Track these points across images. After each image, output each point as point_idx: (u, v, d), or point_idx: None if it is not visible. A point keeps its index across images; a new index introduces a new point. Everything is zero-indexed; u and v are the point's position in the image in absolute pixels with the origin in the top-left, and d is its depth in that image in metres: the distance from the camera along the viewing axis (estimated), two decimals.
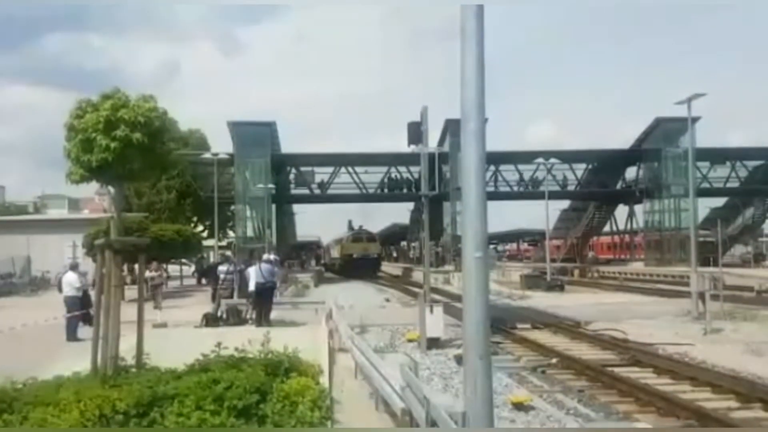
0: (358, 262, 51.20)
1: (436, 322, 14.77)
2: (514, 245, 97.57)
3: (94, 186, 9.56)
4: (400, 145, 17.11)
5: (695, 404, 9.19)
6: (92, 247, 22.78)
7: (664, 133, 46.08)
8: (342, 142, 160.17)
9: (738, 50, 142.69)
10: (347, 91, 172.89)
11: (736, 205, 55.53)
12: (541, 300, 26.27)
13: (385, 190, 50.71)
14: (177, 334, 15.11)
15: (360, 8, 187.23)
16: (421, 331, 14.80)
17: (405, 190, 50.19)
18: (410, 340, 15.48)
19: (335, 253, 60.42)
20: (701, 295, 18.46)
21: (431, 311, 14.82)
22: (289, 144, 49.80)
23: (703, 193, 45.70)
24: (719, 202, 55.35)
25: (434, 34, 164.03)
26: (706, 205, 52.94)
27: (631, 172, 52.72)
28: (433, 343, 14.56)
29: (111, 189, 8.80)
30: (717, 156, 49.23)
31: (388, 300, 27.68)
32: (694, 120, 26.24)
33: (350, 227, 62.57)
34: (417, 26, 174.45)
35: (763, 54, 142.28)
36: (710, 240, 39.98)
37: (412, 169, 47.13)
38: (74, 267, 17.31)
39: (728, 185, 51.77)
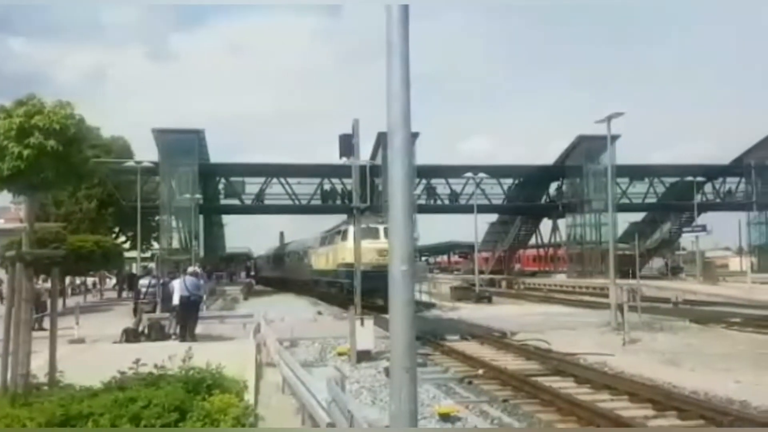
0: (369, 279, 22.32)
1: (367, 335, 14.79)
2: (445, 257, 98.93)
3: (10, 195, 9.11)
4: (334, 157, 17.42)
5: (614, 413, 9.51)
6: (3, 259, 21.62)
7: (586, 151, 47.89)
8: (275, 153, 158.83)
9: (659, 74, 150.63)
10: (280, 102, 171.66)
11: (654, 220, 58.29)
12: (470, 312, 26.70)
13: (319, 202, 50.38)
14: (95, 350, 14.54)
15: (295, 20, 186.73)
16: (351, 344, 14.75)
17: (338, 202, 50.06)
18: (341, 354, 15.40)
19: (322, 262, 34.24)
20: (620, 307, 19.21)
21: (362, 324, 14.83)
22: (220, 156, 48.41)
23: (622, 208, 47.80)
24: (638, 216, 58.03)
25: (369, 47, 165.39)
26: (625, 220, 55.52)
27: (555, 188, 54.56)
28: (364, 356, 14.55)
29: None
30: (636, 173, 51.51)
31: (320, 313, 27.44)
32: (614, 138, 27.51)
33: (282, 239, 61.20)
34: (352, 38, 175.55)
35: (681, 78, 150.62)
36: (629, 253, 41.81)
37: (346, 181, 47.05)
38: None
39: (646, 201, 54.18)
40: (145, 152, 44.90)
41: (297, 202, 49.75)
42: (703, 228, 45.86)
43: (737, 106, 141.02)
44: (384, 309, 21.44)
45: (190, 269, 19.60)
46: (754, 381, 11.78)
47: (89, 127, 7.74)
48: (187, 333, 16.14)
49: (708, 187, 54.81)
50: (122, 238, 49.29)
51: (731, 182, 55.18)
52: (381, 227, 27.57)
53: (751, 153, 52.67)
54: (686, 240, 55.32)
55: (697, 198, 51.18)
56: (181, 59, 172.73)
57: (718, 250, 74.36)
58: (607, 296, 22.27)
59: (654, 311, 23.10)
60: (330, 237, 33.22)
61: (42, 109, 7.25)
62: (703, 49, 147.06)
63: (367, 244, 24.31)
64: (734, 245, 66.98)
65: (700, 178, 51.70)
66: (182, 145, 42.97)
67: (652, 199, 54.20)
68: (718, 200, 54.58)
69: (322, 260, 34.07)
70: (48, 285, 16.61)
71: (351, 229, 26.27)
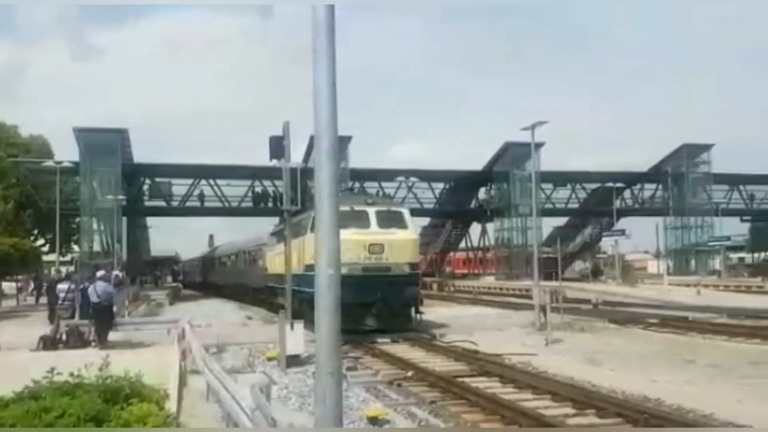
0: (355, 287, 15.34)
1: (297, 339, 14.64)
2: None
3: None
4: (266, 159, 16.68)
5: (536, 412, 9.78)
6: None
7: (513, 157, 49.33)
8: (205, 154, 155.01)
9: (584, 85, 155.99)
10: (210, 103, 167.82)
11: (576, 225, 60.53)
12: None
13: (250, 204, 49.49)
14: (9, 358, 13.85)
15: (227, 20, 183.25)
16: (281, 348, 14.58)
17: (270, 205, 49.36)
18: (270, 359, 15.19)
19: (278, 264, 24.45)
20: (543, 308, 19.80)
21: (292, 328, 14.68)
22: (148, 156, 46.68)
23: (546, 212, 49.52)
24: (561, 221, 60.12)
25: (303, 48, 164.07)
26: (549, 224, 57.45)
27: (483, 192, 55.83)
28: (293, 361, 14.40)
29: None
30: (559, 178, 53.36)
31: (250, 318, 26.97)
32: (539, 145, 28.41)
33: (211, 242, 59.73)
34: (285, 39, 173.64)
35: (605, 89, 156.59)
36: (553, 256, 43.18)
37: (278, 183, 46.52)
38: None
39: (569, 206, 56.24)
40: (70, 152, 43.06)
41: (227, 204, 48.85)
42: (622, 232, 47.88)
43: (657, 115, 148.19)
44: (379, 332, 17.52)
45: (100, 273, 18.82)
46: (669, 380, 12.35)
47: (5, 125, 7.36)
48: (100, 340, 15.58)
49: (627, 193, 57.35)
50: (41, 241, 47.14)
51: (649, 189, 57.97)
52: (372, 210, 19.11)
53: (667, 161, 55.47)
54: (606, 244, 57.68)
55: (617, 203, 53.45)
56: (107, 57, 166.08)
57: (637, 254, 77.70)
58: (532, 298, 22.90)
59: (575, 312, 23.92)
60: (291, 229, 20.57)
61: None
62: (624, 58, 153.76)
63: (350, 234, 16.83)
64: (652, 249, 70.21)
65: (619, 185, 54.01)
66: (105, 144, 41.51)
67: (574, 205, 56.27)
68: (636, 206, 57.19)
69: (278, 261, 24.33)
70: None
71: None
